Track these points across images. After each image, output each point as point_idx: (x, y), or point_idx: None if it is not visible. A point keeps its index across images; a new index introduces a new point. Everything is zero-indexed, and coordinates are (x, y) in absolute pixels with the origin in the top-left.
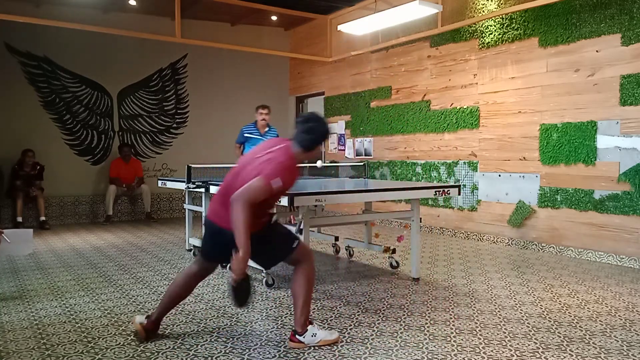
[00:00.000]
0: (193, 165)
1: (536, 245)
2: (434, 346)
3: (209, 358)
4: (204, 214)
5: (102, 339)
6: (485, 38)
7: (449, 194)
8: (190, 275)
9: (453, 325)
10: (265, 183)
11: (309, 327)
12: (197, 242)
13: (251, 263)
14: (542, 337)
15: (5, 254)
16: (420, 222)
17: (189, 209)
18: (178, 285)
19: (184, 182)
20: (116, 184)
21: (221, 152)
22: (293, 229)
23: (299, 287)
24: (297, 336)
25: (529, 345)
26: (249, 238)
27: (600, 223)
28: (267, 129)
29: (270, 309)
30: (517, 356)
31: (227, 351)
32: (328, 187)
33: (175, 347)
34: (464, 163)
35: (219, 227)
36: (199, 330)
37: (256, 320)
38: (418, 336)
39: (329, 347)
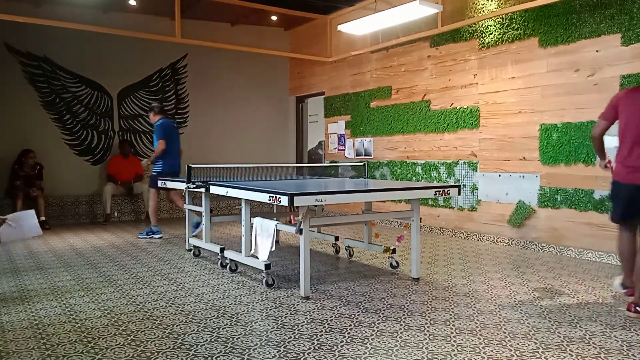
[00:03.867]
0: (193, 165)
1: (536, 245)
2: (434, 346)
3: (209, 358)
4: (204, 214)
5: (102, 339)
6: (485, 38)
7: (449, 194)
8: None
9: (453, 325)
10: None
11: None
12: (197, 242)
13: (255, 263)
14: (542, 337)
15: (13, 239)
16: (420, 222)
17: (189, 209)
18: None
19: (184, 182)
20: (112, 180)
21: (221, 152)
22: (293, 229)
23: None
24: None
25: (529, 345)
26: None
27: (600, 223)
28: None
29: (270, 309)
30: (517, 356)
31: (227, 351)
32: (328, 187)
33: (175, 347)
34: (464, 163)
35: None
36: (199, 330)
37: (256, 320)
38: (418, 336)
39: (329, 347)
